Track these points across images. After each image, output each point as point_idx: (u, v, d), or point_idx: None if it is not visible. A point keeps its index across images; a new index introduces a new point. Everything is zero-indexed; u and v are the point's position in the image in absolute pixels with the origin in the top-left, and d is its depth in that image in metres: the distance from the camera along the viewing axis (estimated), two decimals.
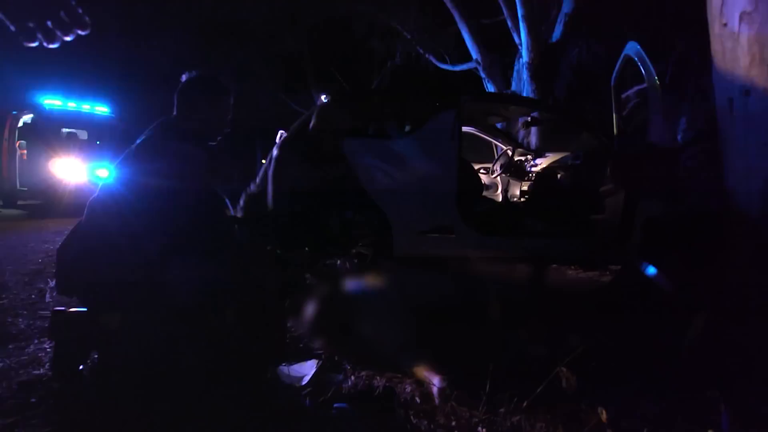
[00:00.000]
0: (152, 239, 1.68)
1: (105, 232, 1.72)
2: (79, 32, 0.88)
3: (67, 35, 0.87)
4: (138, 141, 1.87)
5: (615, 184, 3.42)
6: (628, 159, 3.28)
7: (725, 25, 1.65)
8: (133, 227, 1.70)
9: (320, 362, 2.01)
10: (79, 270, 1.77)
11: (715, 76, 1.72)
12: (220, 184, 1.95)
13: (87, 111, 9.13)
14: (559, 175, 4.41)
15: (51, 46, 0.87)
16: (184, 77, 1.95)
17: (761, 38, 1.48)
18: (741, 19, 1.57)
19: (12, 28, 0.84)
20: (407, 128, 3.94)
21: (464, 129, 4.53)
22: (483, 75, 8.63)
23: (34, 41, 0.86)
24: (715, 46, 1.71)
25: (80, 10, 0.86)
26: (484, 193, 5.11)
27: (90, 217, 1.79)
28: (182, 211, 1.73)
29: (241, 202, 3.46)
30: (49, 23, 0.84)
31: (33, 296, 2.95)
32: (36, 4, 0.84)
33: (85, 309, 1.82)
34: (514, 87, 7.96)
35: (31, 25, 0.84)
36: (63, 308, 1.87)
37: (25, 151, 8.39)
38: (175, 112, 1.94)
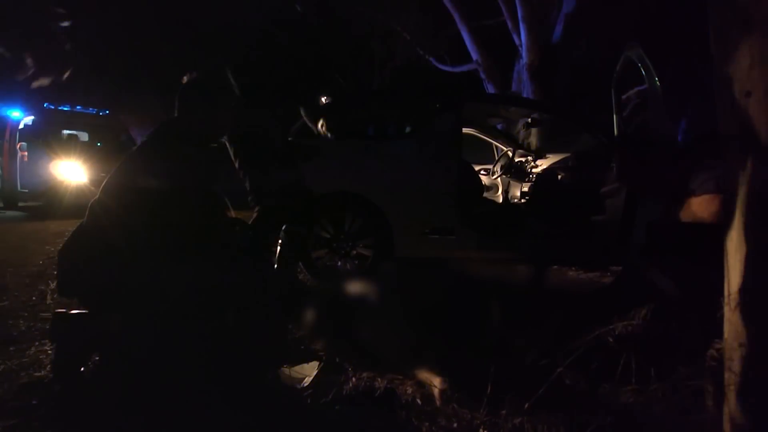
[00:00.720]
0: (153, 241, 1.68)
1: (106, 234, 1.72)
2: (65, 75, 0.89)
3: (54, 76, 0.88)
4: (139, 142, 1.87)
5: (620, 183, 3.40)
6: (633, 159, 3.27)
7: (726, 26, 1.65)
8: (134, 229, 1.70)
9: (321, 364, 2.00)
10: (81, 272, 1.77)
11: (716, 77, 1.72)
12: (221, 185, 1.95)
13: (88, 112, 9.13)
14: (559, 176, 4.41)
15: (38, 84, 0.89)
16: (185, 78, 1.96)
17: (761, 39, 1.48)
18: (742, 20, 1.57)
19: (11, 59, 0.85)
20: (407, 129, 3.95)
21: (464, 130, 4.53)
22: (483, 76, 8.64)
23: (27, 75, 0.88)
24: (716, 47, 1.71)
25: (70, 46, 0.88)
26: (485, 195, 5.12)
27: (91, 218, 1.79)
28: (183, 213, 1.73)
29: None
30: (40, 63, 0.86)
31: (34, 298, 2.95)
32: (31, 42, 0.86)
33: (86, 311, 1.82)
34: (514, 88, 7.96)
35: (27, 60, 0.85)
36: (64, 310, 1.87)
37: (26, 153, 8.38)
38: (176, 114, 1.94)
